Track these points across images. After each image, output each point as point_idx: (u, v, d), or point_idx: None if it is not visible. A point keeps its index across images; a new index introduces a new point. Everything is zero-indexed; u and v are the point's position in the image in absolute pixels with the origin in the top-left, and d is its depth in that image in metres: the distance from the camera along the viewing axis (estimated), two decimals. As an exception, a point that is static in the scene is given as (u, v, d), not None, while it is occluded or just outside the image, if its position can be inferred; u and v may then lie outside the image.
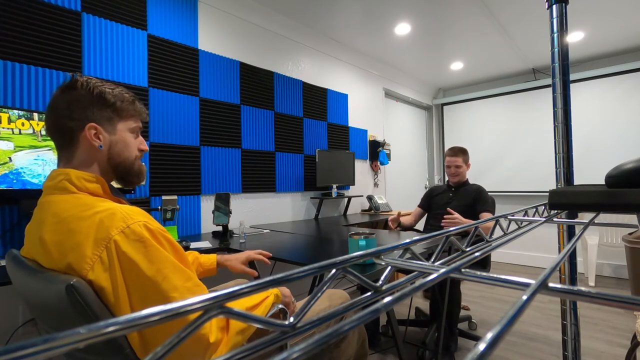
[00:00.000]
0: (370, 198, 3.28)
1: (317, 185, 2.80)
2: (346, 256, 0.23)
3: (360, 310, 0.18)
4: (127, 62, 1.90)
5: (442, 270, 0.24)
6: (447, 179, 2.42)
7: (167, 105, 2.06)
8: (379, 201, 3.30)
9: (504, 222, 0.51)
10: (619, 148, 3.52)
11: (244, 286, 0.18)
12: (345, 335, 1.11)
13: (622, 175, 0.43)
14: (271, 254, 1.36)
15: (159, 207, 1.81)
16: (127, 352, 0.66)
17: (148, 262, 0.65)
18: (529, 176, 4.08)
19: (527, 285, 0.21)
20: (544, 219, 0.49)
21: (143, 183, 1.14)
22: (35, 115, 1.42)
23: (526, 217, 0.52)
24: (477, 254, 0.30)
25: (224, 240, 1.85)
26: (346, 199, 3.21)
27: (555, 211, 0.55)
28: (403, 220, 2.33)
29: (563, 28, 0.66)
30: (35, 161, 1.41)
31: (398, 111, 4.33)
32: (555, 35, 0.66)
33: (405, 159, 4.42)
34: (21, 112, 1.38)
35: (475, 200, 2.20)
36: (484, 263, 2.21)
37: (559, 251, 0.56)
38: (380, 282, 0.24)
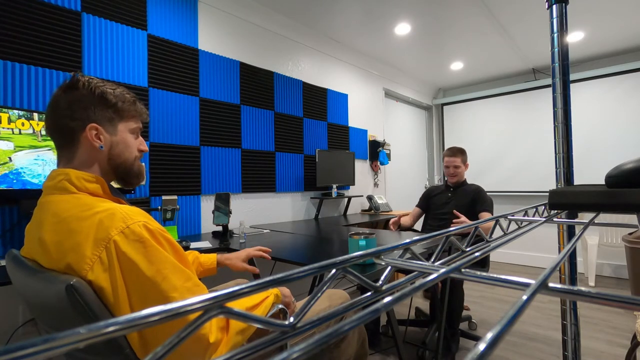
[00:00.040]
0: (370, 198, 3.28)
1: (317, 185, 2.80)
2: (346, 256, 0.23)
3: (360, 310, 0.18)
4: (127, 62, 1.90)
5: (442, 270, 0.24)
6: (445, 178, 2.43)
7: (167, 105, 2.06)
8: (379, 201, 3.30)
9: (504, 222, 0.51)
10: (619, 148, 3.52)
11: (244, 286, 0.18)
12: (345, 335, 1.11)
13: (622, 175, 0.43)
14: (270, 249, 1.37)
15: (159, 207, 1.81)
16: (127, 352, 0.66)
17: (148, 262, 0.65)
18: (529, 176, 4.08)
19: (527, 285, 0.21)
20: (544, 219, 0.49)
21: (143, 183, 1.14)
22: (35, 115, 1.42)
23: (526, 217, 0.52)
24: (477, 254, 0.30)
25: (224, 240, 1.85)
26: (346, 199, 3.21)
27: (555, 211, 0.55)
28: (402, 220, 2.34)
29: (563, 28, 0.66)
30: (35, 161, 1.41)
31: (398, 111, 4.33)
32: (555, 35, 0.66)
33: (405, 159, 4.43)
34: (21, 112, 1.38)
35: (474, 201, 2.20)
36: (483, 263, 2.21)
37: (559, 251, 0.56)
38: (380, 282, 0.24)
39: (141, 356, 0.66)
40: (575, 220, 0.57)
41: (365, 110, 3.64)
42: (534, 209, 0.58)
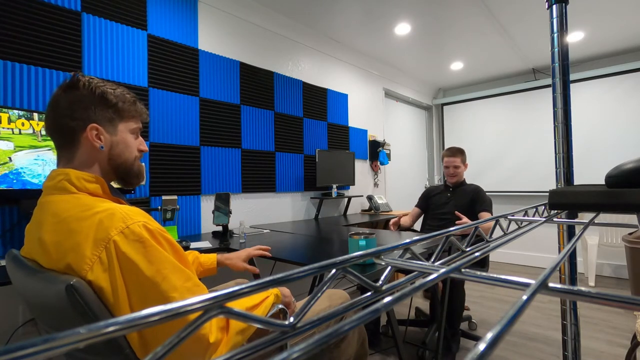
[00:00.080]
0: (370, 198, 3.28)
1: (317, 185, 2.80)
2: (346, 256, 0.23)
3: (360, 310, 0.18)
4: (127, 62, 1.90)
5: (442, 270, 0.24)
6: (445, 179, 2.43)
7: (167, 105, 2.06)
8: (379, 201, 3.30)
9: (504, 222, 0.51)
10: (619, 148, 3.52)
11: (244, 286, 0.18)
12: (345, 335, 1.11)
13: (622, 175, 0.43)
14: (270, 247, 1.37)
15: (159, 207, 1.81)
16: (127, 352, 0.66)
17: (147, 262, 0.65)
18: (529, 176, 4.08)
19: (527, 285, 0.21)
20: (544, 219, 0.49)
21: (143, 183, 1.14)
22: (35, 115, 1.42)
23: (526, 217, 0.52)
24: (477, 254, 0.30)
25: (224, 240, 1.85)
26: (346, 199, 3.21)
27: (555, 211, 0.55)
28: (401, 221, 2.34)
29: (563, 28, 0.66)
30: (35, 161, 1.41)
31: (398, 111, 4.33)
32: (555, 35, 0.66)
33: (405, 159, 4.43)
34: (21, 112, 1.38)
35: (473, 200, 2.20)
36: (482, 263, 2.21)
37: (559, 251, 0.56)
38: (380, 282, 0.24)
39: (141, 356, 0.66)
40: (575, 220, 0.57)
41: (365, 110, 3.64)
42: (534, 209, 0.58)
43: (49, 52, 1.62)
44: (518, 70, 4.09)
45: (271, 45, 2.70)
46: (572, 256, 0.66)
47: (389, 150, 3.76)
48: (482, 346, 0.13)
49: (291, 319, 0.19)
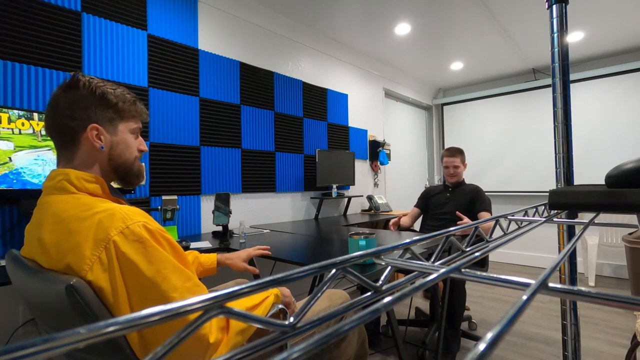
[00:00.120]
0: (370, 198, 3.28)
1: (317, 185, 2.80)
2: (346, 256, 0.23)
3: (360, 310, 0.18)
4: (127, 62, 1.90)
5: (442, 270, 0.24)
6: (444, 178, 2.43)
7: (167, 105, 2.06)
8: (379, 201, 3.30)
9: (504, 222, 0.51)
10: (619, 148, 3.52)
11: (244, 286, 0.18)
12: (345, 335, 1.11)
13: (622, 175, 0.43)
14: (269, 246, 1.38)
15: (159, 207, 1.81)
16: (127, 352, 0.66)
17: (147, 262, 0.65)
18: (529, 176, 4.08)
19: (527, 285, 0.21)
20: (544, 219, 0.49)
21: (143, 183, 1.14)
22: (35, 115, 1.42)
23: (526, 217, 0.52)
24: (477, 254, 0.30)
25: (224, 240, 1.85)
26: (346, 199, 3.21)
27: (555, 211, 0.55)
28: (401, 221, 2.34)
29: (563, 28, 0.66)
30: (35, 161, 1.41)
31: (398, 111, 4.33)
32: (555, 35, 0.66)
33: (405, 159, 4.43)
34: (21, 112, 1.38)
35: (472, 200, 2.20)
36: (482, 262, 2.21)
37: (559, 251, 0.56)
38: (380, 282, 0.24)
39: (141, 356, 0.66)
40: (575, 220, 0.57)
41: (365, 110, 3.64)
42: (534, 209, 0.58)
43: (49, 52, 1.62)
44: (518, 70, 4.09)
45: (271, 45, 2.70)
46: (572, 256, 0.66)
47: (389, 150, 3.76)
48: (482, 346, 0.13)
49: (291, 319, 0.19)
